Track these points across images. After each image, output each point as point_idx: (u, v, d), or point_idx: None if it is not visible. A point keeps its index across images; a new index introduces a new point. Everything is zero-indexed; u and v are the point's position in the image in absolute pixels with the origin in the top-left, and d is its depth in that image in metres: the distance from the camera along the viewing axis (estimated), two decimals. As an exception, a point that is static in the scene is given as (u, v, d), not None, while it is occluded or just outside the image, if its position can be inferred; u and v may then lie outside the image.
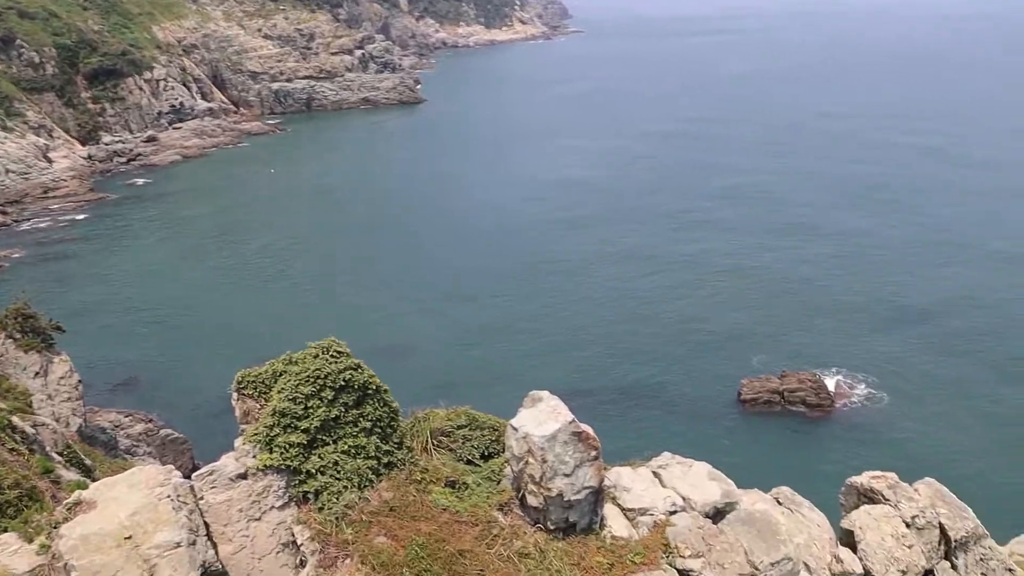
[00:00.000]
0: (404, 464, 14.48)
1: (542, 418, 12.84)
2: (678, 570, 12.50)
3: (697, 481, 14.03)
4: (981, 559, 18.01)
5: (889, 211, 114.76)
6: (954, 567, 17.83)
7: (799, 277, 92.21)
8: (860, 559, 15.76)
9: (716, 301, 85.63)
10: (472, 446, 15.31)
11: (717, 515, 13.92)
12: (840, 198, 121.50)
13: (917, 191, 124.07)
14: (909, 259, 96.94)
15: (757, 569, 12.63)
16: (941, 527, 17.05)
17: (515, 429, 13.07)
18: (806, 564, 15.17)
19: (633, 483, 13.70)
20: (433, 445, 15.55)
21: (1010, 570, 18.52)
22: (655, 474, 14.24)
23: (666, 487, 13.86)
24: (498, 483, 13.96)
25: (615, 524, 13.01)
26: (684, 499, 13.68)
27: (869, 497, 16.98)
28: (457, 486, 14.28)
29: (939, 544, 17.31)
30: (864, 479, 17.11)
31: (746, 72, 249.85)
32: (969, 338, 78.56)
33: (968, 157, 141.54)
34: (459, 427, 15.72)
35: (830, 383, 69.26)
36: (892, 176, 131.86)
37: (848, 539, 16.41)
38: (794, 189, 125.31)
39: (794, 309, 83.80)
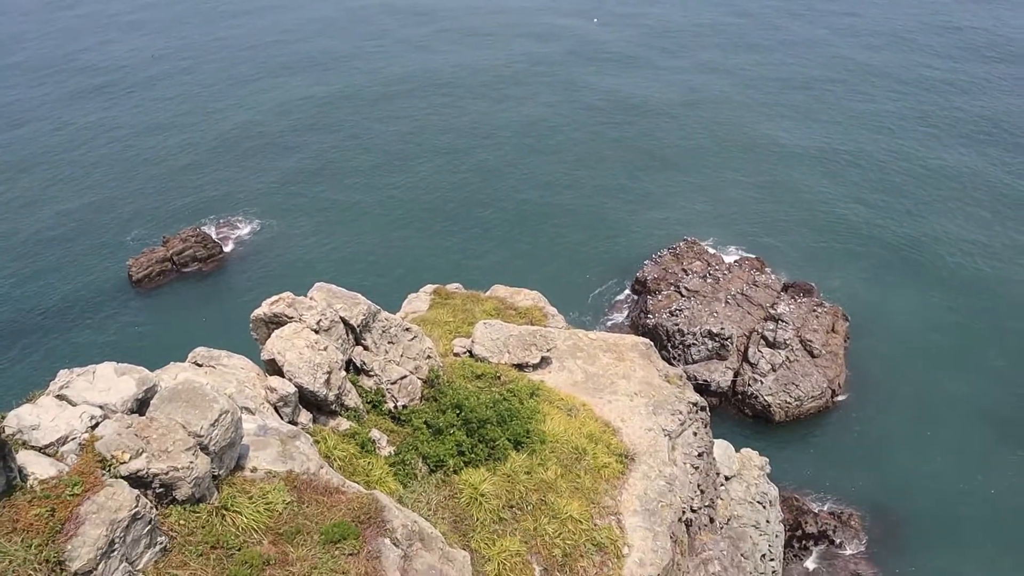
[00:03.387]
0: None
1: None
2: (125, 477, 11.92)
3: (107, 383, 13.23)
4: (383, 331, 20.58)
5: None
6: (366, 347, 20.13)
7: (134, 146, 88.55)
8: (289, 379, 16.81)
9: (61, 195, 78.45)
10: None
11: (143, 406, 13.43)
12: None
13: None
14: (227, 90, 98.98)
15: (200, 435, 12.67)
16: (343, 320, 18.89)
17: None
18: (246, 408, 15.68)
19: (39, 418, 12.38)
20: None
21: (407, 329, 21.57)
22: (60, 397, 13.04)
23: (77, 404, 12.82)
24: None
25: (38, 469, 11.73)
26: (102, 407, 12.86)
27: (276, 322, 17.90)
28: None
29: (347, 334, 19.25)
30: (264, 308, 17.89)
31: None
32: (319, 160, 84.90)
33: None
34: None
35: (212, 231, 69.83)
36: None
37: (273, 367, 17.27)
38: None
39: (143, 177, 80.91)
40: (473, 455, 19.33)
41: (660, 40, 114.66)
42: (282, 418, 16.25)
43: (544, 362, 25.82)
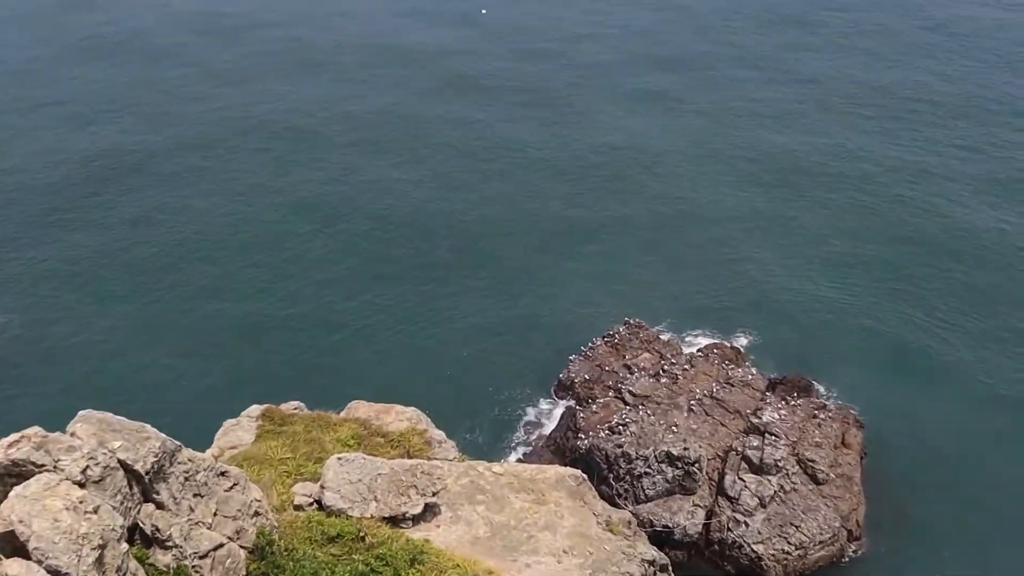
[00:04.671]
0: None
1: None
2: None
3: None
4: (186, 479, 20.03)
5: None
6: (161, 505, 19.53)
7: None
8: (37, 561, 16.06)
9: None
10: None
11: None
12: None
13: None
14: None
15: None
16: (123, 465, 18.30)
17: None
18: (-32, 611, 14.90)
19: None
20: None
21: (222, 473, 21.08)
22: None
23: None
24: None
25: None
26: None
27: (18, 473, 17.24)
28: None
29: (130, 487, 18.64)
30: (-1, 453, 17.24)
31: None
32: (91, 228, 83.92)
33: None
34: None
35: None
36: None
37: (12, 544, 16.49)
38: None
39: None
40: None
41: (561, 61, 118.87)
42: (28, 624, 15.52)
43: (430, 511, 25.61)
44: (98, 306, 71.98)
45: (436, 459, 28.72)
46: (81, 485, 17.41)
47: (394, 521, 24.82)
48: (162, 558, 18.91)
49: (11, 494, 16.60)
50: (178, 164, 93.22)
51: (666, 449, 55.27)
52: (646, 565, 25.26)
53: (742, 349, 65.99)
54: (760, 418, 57.66)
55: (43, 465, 17.41)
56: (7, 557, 16.17)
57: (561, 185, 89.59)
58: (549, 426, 61.81)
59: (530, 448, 59.98)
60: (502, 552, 24.49)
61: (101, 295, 73.18)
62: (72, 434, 18.53)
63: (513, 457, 58.00)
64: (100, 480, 17.83)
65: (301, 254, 78.49)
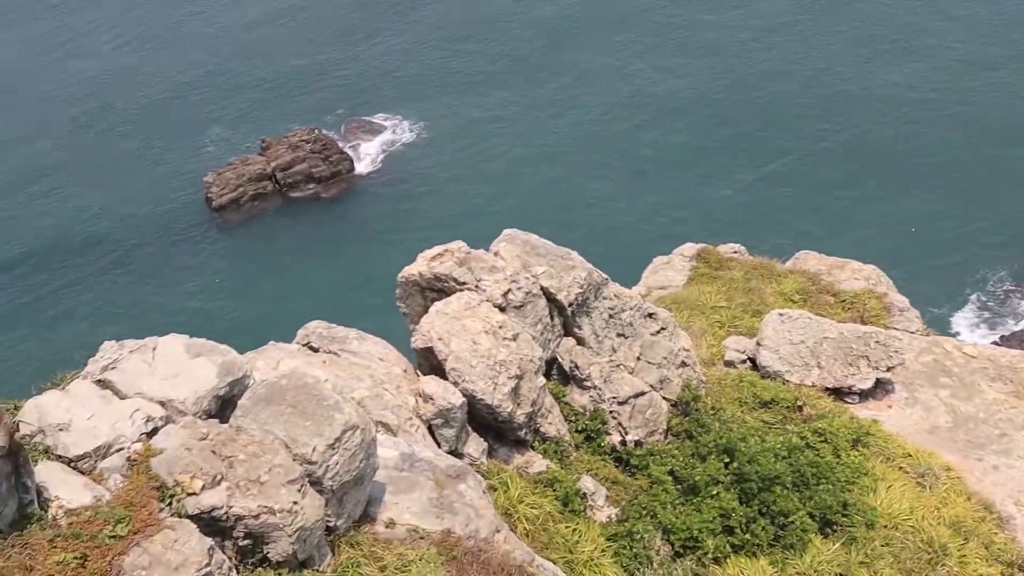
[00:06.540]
0: None
1: None
2: (194, 517, 12.50)
3: (173, 367, 13.94)
4: (611, 316, 20.61)
5: None
6: (581, 341, 20.25)
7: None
8: (454, 383, 17.13)
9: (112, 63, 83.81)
10: None
11: (226, 407, 14.04)
12: None
13: None
14: None
15: (312, 462, 13.13)
16: (546, 293, 19.03)
17: None
18: (383, 424, 16.16)
19: (70, 413, 13.25)
20: None
21: (650, 315, 21.54)
22: (102, 384, 13.90)
23: (128, 396, 13.63)
24: None
25: (65, 491, 12.54)
26: (164, 403, 13.60)
27: (438, 288, 18.27)
28: None
29: (551, 317, 19.40)
30: (422, 266, 18.28)
31: None
32: (514, 31, 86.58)
33: None
34: None
35: (338, 136, 71.98)
36: None
37: (431, 361, 17.66)
38: None
39: (235, 50, 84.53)
40: (750, 536, 19.14)
41: None
42: (440, 445, 16.59)
43: (881, 388, 25.21)
44: (540, 119, 74.23)
45: (895, 329, 28.09)
46: (501, 309, 18.19)
47: (838, 394, 24.61)
48: (578, 398, 19.60)
49: (432, 310, 17.61)
50: None
51: None
52: None
53: None
54: None
55: (464, 283, 18.28)
56: (424, 374, 17.34)
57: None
58: (1037, 306, 59.15)
59: (1011, 330, 57.60)
60: (965, 447, 23.82)
61: (588, 115, 75.44)
62: (496, 253, 19.31)
63: (988, 338, 55.88)
64: (521, 306, 18.52)
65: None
